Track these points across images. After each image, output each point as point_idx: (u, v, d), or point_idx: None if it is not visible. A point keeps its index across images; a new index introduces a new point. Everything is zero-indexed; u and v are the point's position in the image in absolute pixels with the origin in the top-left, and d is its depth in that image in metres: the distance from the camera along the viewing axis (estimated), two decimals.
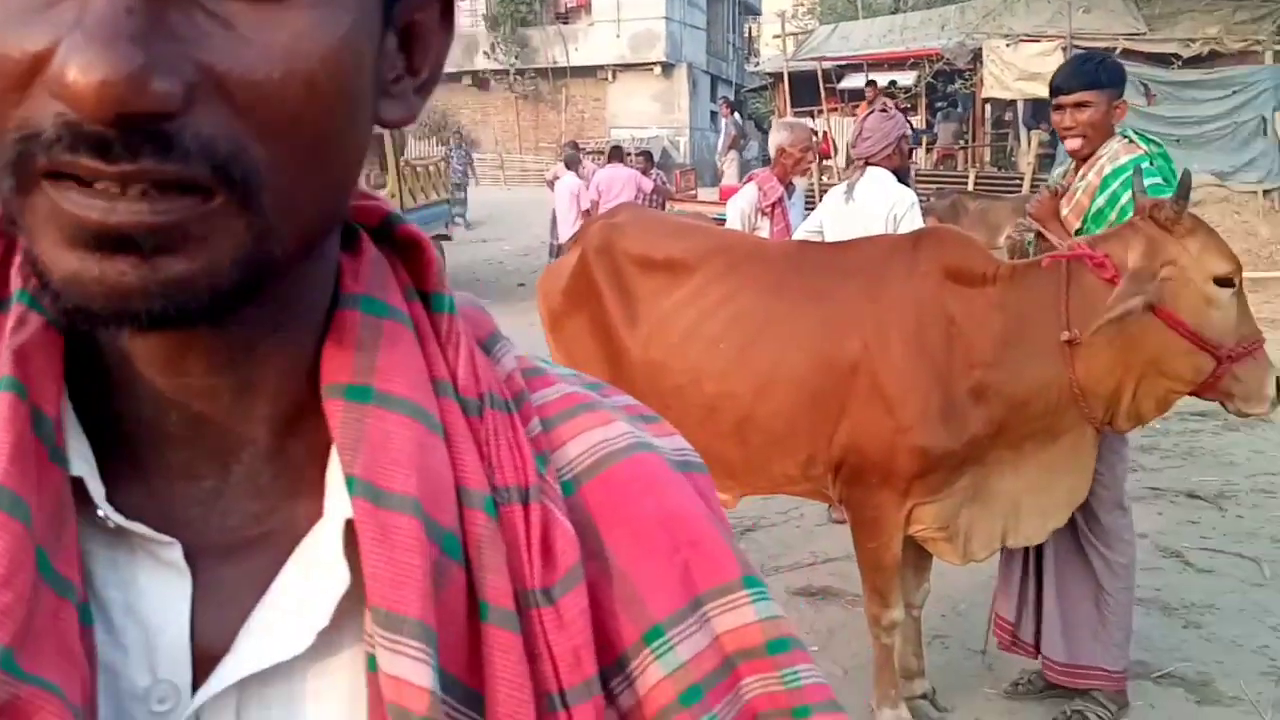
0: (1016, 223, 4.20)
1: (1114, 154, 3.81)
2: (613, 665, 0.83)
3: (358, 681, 0.67)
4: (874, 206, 5.24)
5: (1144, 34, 17.29)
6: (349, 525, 0.66)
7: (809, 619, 5.02)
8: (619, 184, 14.02)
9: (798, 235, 5.80)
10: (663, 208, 14.68)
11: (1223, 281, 3.29)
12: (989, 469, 3.59)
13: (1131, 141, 3.84)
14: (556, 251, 15.15)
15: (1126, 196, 3.64)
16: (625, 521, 0.84)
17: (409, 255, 0.76)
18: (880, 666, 3.95)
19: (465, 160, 24.67)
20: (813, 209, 6.39)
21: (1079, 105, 3.80)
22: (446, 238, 16.74)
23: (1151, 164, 3.74)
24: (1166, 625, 4.87)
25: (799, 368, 3.69)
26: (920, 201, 5.51)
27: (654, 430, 0.93)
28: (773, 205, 6.17)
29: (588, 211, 14.47)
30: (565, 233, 14.30)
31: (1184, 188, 3.31)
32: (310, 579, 0.68)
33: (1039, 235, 3.94)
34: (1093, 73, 3.86)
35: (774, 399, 3.73)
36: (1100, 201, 3.76)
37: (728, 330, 3.84)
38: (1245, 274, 3.42)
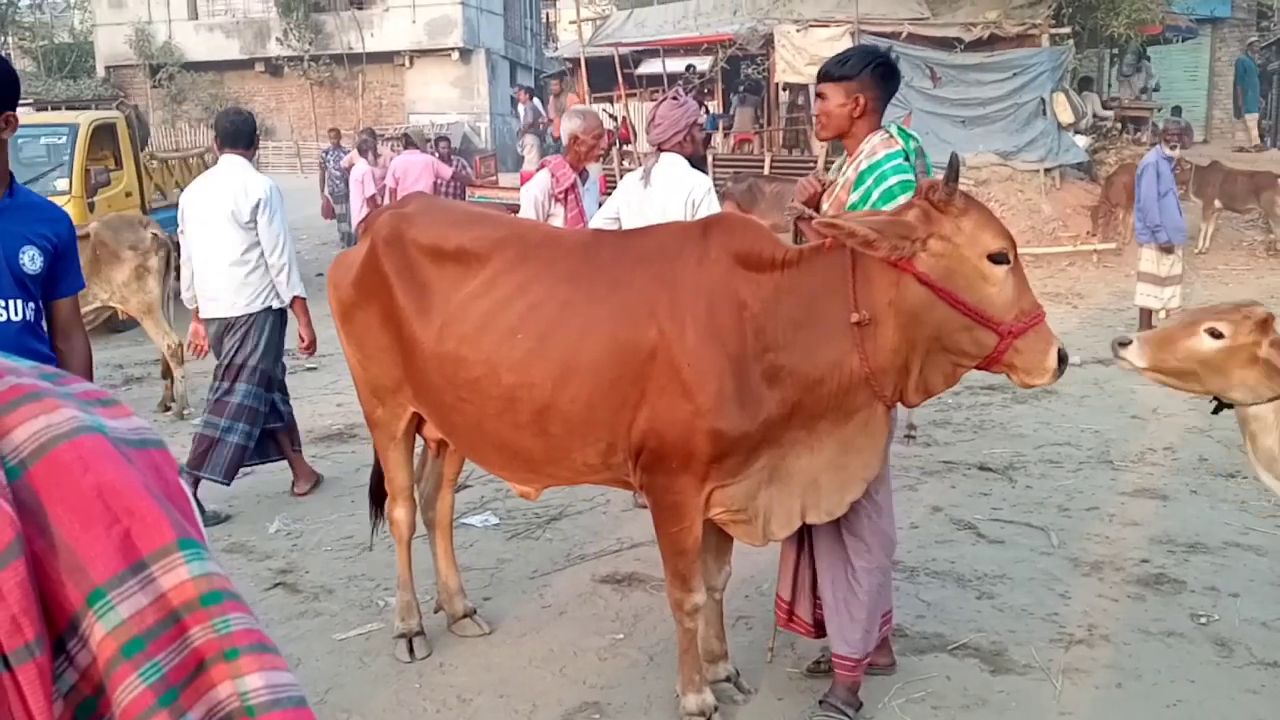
0: (788, 206, 4.26)
1: (872, 149, 3.90)
2: (68, 629, 0.95)
3: None
4: (671, 192, 5.28)
5: (927, 19, 17.93)
6: None
7: (614, 605, 5.01)
8: (415, 170, 13.83)
9: (595, 222, 5.78)
10: (462, 194, 14.54)
11: (997, 258, 3.37)
12: (785, 450, 3.62)
13: (891, 136, 3.91)
14: (350, 240, 14.85)
15: (877, 193, 3.76)
16: (67, 498, 0.95)
17: None
18: (684, 651, 3.96)
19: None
20: (609, 195, 6.40)
21: (820, 96, 3.99)
22: None
23: (908, 159, 3.82)
24: (961, 597, 5.02)
25: (597, 356, 3.66)
26: (717, 186, 5.57)
27: (108, 413, 1.04)
28: (565, 191, 6.14)
29: (373, 198, 14.31)
30: (355, 220, 14.07)
31: (953, 170, 3.39)
32: None
33: (798, 220, 4.03)
34: (831, 66, 3.99)
35: (573, 388, 3.69)
36: (854, 197, 3.85)
37: (524, 320, 3.78)
38: (1028, 250, 3.55)
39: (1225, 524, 5.83)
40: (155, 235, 8.74)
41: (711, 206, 5.24)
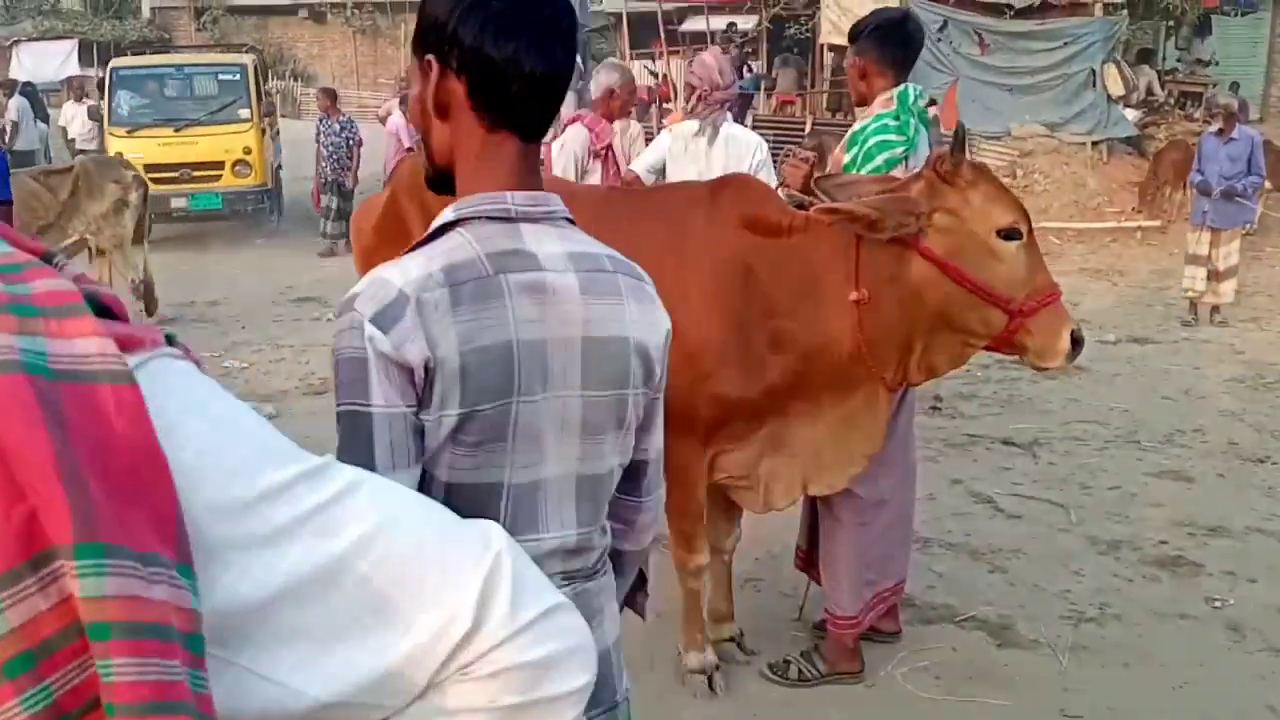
0: (786, 195, 4.13)
1: (868, 111, 3.84)
2: None
3: None
4: (740, 153, 4.99)
5: None
6: None
7: None
8: None
9: (637, 169, 5.61)
10: None
11: (1008, 233, 3.24)
12: (789, 419, 3.58)
13: (889, 99, 3.83)
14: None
15: (861, 155, 3.72)
16: None
17: None
18: (688, 610, 3.96)
19: (345, 135, 14.84)
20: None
21: None
22: None
23: (896, 120, 3.74)
24: (973, 569, 4.99)
25: None
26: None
27: (69, 328, 0.75)
28: (606, 148, 5.99)
29: (410, 149, 14.23)
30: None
31: (958, 141, 3.26)
32: None
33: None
34: (855, 31, 3.97)
35: None
36: (846, 158, 3.79)
37: None
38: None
39: (1250, 509, 5.74)
40: (136, 175, 9.12)
41: (768, 172, 4.96)
